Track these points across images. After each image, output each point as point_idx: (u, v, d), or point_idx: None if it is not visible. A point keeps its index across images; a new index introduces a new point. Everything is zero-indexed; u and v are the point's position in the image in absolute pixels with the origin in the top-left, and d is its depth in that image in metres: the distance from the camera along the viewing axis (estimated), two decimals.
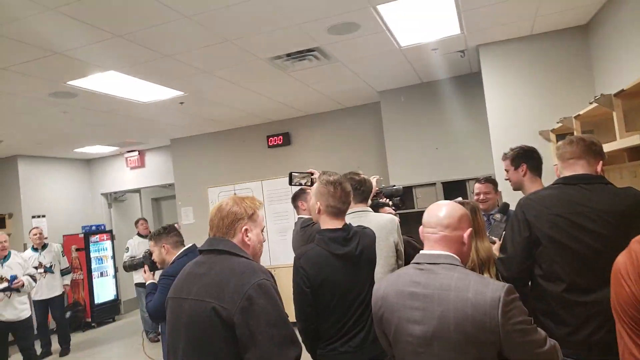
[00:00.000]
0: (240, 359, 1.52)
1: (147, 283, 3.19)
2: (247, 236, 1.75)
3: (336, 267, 2.13)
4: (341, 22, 3.87)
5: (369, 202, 2.82)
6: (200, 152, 7.94)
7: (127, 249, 6.82)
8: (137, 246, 6.75)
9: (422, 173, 6.02)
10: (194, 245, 3.18)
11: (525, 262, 2.07)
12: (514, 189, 2.74)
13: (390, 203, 3.11)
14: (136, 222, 7.12)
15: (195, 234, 7.60)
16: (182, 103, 5.74)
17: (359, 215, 2.62)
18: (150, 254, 3.22)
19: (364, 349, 2.16)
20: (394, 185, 3.47)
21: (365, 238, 2.25)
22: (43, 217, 8.03)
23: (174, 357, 1.67)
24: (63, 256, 6.72)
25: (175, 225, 3.79)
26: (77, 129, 6.53)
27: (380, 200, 3.09)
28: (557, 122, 4.02)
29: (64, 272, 6.57)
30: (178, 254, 3.09)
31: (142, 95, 5.26)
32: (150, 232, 6.98)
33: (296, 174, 2.57)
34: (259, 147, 7.57)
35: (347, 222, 2.27)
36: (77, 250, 8.06)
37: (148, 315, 3.11)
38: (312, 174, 2.61)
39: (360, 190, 2.70)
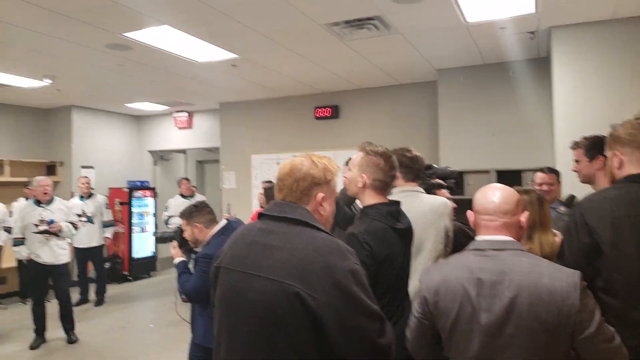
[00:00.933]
0: (320, 351, 1.30)
1: (175, 261, 3.03)
2: (322, 205, 1.50)
3: (396, 242, 2.02)
4: None
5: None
6: (248, 118, 7.89)
7: (167, 207, 6.91)
8: (178, 206, 6.82)
9: (476, 159, 5.75)
10: (229, 224, 3.03)
11: (584, 271, 1.83)
12: (583, 182, 2.50)
13: (445, 185, 2.91)
14: (179, 182, 7.19)
15: (236, 198, 7.64)
16: (234, 66, 5.65)
17: (409, 195, 2.43)
18: (182, 231, 3.07)
19: None
20: (448, 167, 3.26)
21: (408, 219, 2.13)
22: (91, 168, 8.24)
23: (228, 338, 1.42)
24: (107, 208, 6.88)
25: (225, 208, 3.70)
26: (130, 84, 6.59)
27: (434, 181, 2.87)
28: (637, 118, 3.67)
29: (106, 224, 6.73)
30: (213, 232, 2.96)
31: (196, 55, 5.20)
32: (193, 192, 7.06)
33: None
34: (306, 118, 7.45)
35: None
36: (120, 204, 8.26)
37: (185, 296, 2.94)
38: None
39: (412, 169, 2.51)
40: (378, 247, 1.95)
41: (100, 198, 6.81)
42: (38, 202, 4.97)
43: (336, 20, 4.29)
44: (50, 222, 4.88)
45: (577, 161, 2.48)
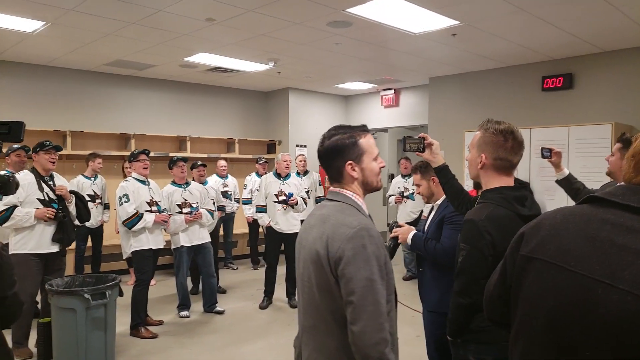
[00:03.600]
0: None
1: (411, 238, 2.83)
2: None
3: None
4: None
5: None
6: (460, 93, 7.40)
7: (387, 188, 6.99)
8: (396, 185, 6.83)
9: None
10: None
11: None
12: None
13: None
14: (399, 161, 7.16)
15: None
16: (454, 35, 5.26)
17: None
18: (396, 224, 2.92)
19: None
20: None
21: (536, 205, 1.92)
22: (304, 146, 8.77)
23: (547, 351, 1.03)
24: (320, 185, 7.24)
25: None
26: (345, 63, 6.71)
27: None
28: None
29: (318, 200, 7.07)
30: None
31: (414, 25, 4.97)
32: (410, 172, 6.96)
33: (410, 139, 2.32)
34: (530, 90, 6.63)
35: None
36: None
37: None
38: (424, 138, 2.31)
39: None
40: (500, 236, 1.76)
41: (315, 175, 7.19)
42: (279, 176, 5.49)
43: None
44: (290, 195, 5.34)
45: None
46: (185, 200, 5.01)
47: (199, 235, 5.10)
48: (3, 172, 3.13)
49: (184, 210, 4.98)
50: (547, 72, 6.44)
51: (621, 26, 4.98)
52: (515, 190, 1.89)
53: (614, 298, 0.94)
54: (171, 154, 7.52)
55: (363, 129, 1.63)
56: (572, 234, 1.05)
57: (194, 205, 5.04)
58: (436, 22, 4.83)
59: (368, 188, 1.63)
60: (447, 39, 5.41)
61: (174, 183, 5.11)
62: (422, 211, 3.22)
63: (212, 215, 5.26)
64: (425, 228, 2.92)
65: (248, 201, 7.16)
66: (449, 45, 5.73)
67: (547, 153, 3.12)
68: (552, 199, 5.37)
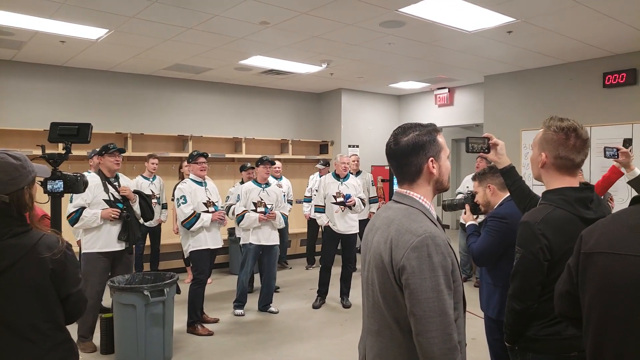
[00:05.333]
0: None
1: (467, 224, 3.01)
2: None
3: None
4: None
5: None
6: (517, 91, 7.16)
7: None
8: (463, 185, 6.71)
9: None
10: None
11: None
12: None
13: None
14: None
15: None
16: (509, 32, 5.10)
17: None
18: (473, 195, 3.02)
19: None
20: None
21: (603, 207, 1.90)
22: (357, 147, 8.77)
23: (621, 334, 1.23)
24: (372, 185, 7.21)
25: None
26: (398, 63, 6.66)
27: None
28: None
29: (371, 201, 7.07)
30: (506, 196, 2.79)
31: (467, 24, 4.87)
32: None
33: (473, 139, 2.24)
34: (590, 87, 6.33)
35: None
36: (382, 181, 8.58)
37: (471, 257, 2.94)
38: (489, 138, 2.20)
39: None
40: (558, 240, 1.73)
41: (367, 176, 7.17)
42: (337, 177, 5.57)
43: None
44: (347, 197, 5.40)
45: None
46: (262, 199, 5.15)
47: (269, 236, 5.21)
48: (85, 173, 3.28)
49: (259, 209, 5.11)
50: (608, 68, 6.13)
51: None
52: (579, 191, 1.80)
53: None
54: (227, 155, 7.75)
55: (436, 127, 1.59)
56: (618, 226, 1.29)
57: (269, 206, 5.16)
58: (491, 19, 4.71)
59: (440, 187, 1.58)
60: (503, 36, 5.25)
61: (255, 182, 5.29)
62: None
63: (285, 219, 5.38)
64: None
65: (308, 199, 7.29)
66: (504, 43, 5.56)
67: (612, 152, 2.96)
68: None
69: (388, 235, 1.46)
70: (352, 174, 6.89)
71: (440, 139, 1.56)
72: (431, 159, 1.52)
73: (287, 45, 5.73)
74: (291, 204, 7.27)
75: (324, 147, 8.93)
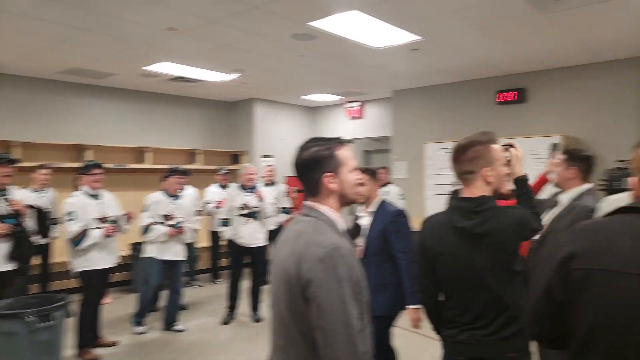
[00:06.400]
0: None
1: None
2: None
3: (451, 242, 1.89)
4: None
5: None
6: (422, 106, 7.53)
7: None
8: None
9: None
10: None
11: None
12: None
13: None
14: (377, 170, 7.07)
15: (407, 189, 7.36)
16: (415, 50, 5.34)
17: None
18: None
19: (484, 344, 1.84)
20: None
21: (505, 217, 1.85)
22: (271, 157, 8.70)
23: None
24: (286, 196, 7.17)
25: None
26: (309, 75, 6.71)
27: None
28: None
29: (284, 211, 7.01)
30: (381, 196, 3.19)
31: (376, 40, 5.02)
32: (387, 181, 6.90)
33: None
34: (486, 103, 6.82)
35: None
36: (297, 191, 8.57)
37: None
38: (511, 145, 2.15)
39: None
40: (431, 242, 1.95)
41: (281, 186, 7.12)
42: (243, 187, 5.37)
43: None
44: (253, 207, 5.27)
45: None
46: (171, 213, 4.87)
47: (175, 251, 4.96)
48: None
49: (168, 223, 4.84)
50: (501, 86, 6.66)
51: (567, 45, 5.23)
52: (461, 201, 1.94)
53: None
54: (129, 166, 7.31)
55: (339, 141, 1.61)
56: (629, 242, 1.13)
57: (178, 220, 4.90)
58: (398, 37, 4.89)
59: (345, 201, 1.59)
60: (409, 53, 5.49)
61: (164, 192, 4.99)
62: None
63: (193, 233, 5.14)
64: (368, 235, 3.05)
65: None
66: (410, 60, 5.82)
67: None
68: None
69: (296, 249, 1.46)
70: (267, 184, 6.85)
71: (342, 153, 1.56)
72: (329, 174, 1.53)
73: (197, 53, 5.55)
74: (200, 215, 7.02)
75: (236, 157, 8.76)
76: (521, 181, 2.12)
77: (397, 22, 4.46)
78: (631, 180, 1.32)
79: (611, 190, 5.16)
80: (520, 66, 6.19)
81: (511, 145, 2.16)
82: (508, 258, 1.86)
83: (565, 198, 2.75)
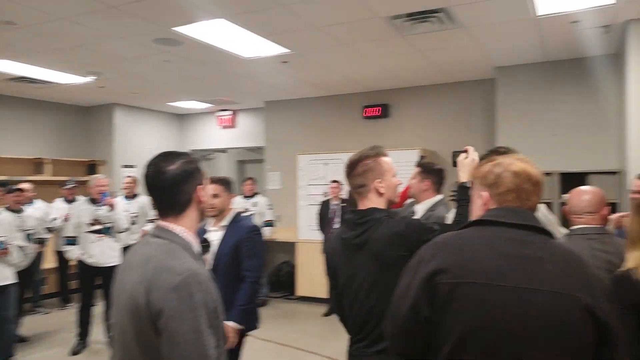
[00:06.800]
0: None
1: None
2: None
3: (341, 253, 1.92)
4: None
5: None
6: (294, 117, 7.61)
7: None
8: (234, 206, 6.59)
9: (536, 161, 5.28)
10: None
11: None
12: None
13: None
14: (243, 182, 6.86)
15: (281, 200, 7.37)
16: (285, 62, 5.36)
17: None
18: None
19: (365, 357, 1.84)
20: None
21: (383, 228, 1.82)
22: (132, 167, 8.11)
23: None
24: (151, 209, 6.71)
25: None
26: (176, 81, 6.39)
27: None
28: None
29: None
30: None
31: (246, 50, 4.95)
32: (254, 192, 6.74)
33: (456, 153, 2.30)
34: (354, 117, 7.12)
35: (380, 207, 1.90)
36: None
37: None
38: (465, 151, 2.16)
39: None
40: (328, 253, 2.02)
41: (144, 199, 6.61)
42: (93, 201, 4.79)
43: (400, 12, 3.99)
44: (105, 223, 4.74)
45: None
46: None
47: (1, 275, 4.26)
48: None
49: None
50: (367, 102, 7.02)
51: (423, 66, 5.67)
52: (349, 213, 1.94)
53: (540, 299, 1.17)
54: None
55: (195, 155, 1.54)
56: (488, 254, 1.24)
57: (1, 239, 4.21)
58: (268, 48, 4.87)
59: (202, 216, 1.53)
60: (279, 65, 5.50)
61: (6, 208, 4.32)
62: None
63: (24, 251, 4.44)
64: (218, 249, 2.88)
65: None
66: (280, 72, 5.84)
67: None
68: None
69: (145, 275, 1.32)
70: (127, 197, 6.33)
71: (202, 167, 1.52)
72: (200, 186, 1.47)
73: (43, 51, 4.96)
74: (52, 233, 6.25)
75: (92, 168, 7.98)
76: (460, 187, 2.12)
77: (265, 33, 4.43)
78: (485, 195, 1.38)
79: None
80: (384, 83, 6.56)
81: (465, 151, 2.16)
82: (386, 270, 1.78)
83: (420, 208, 2.91)
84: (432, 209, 2.84)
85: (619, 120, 4.93)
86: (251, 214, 6.42)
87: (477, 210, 1.39)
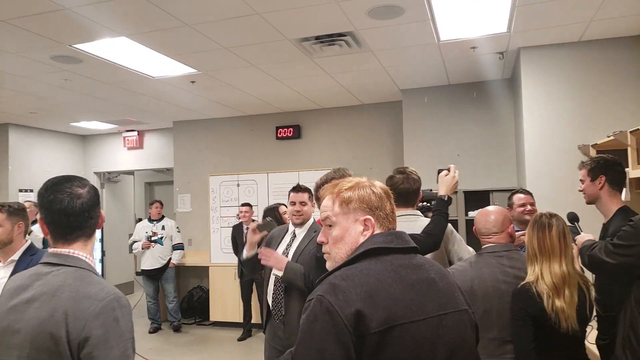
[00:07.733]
0: None
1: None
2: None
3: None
4: (385, 4, 3.50)
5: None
6: (204, 138, 7.52)
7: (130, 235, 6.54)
8: (140, 230, 6.37)
9: None
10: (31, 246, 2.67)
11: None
12: (588, 202, 2.45)
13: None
14: (150, 204, 6.61)
15: (192, 222, 7.22)
16: (193, 82, 5.33)
17: (409, 220, 2.31)
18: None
19: None
20: (431, 190, 3.12)
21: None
22: (31, 191, 7.55)
23: None
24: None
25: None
26: (77, 101, 6.09)
27: (423, 204, 2.78)
28: (608, 136, 3.68)
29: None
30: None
31: (152, 69, 4.86)
32: (161, 215, 6.49)
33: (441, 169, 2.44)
34: (267, 138, 7.18)
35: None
36: None
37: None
38: (447, 169, 2.39)
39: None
40: None
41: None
42: None
43: (307, 35, 4.12)
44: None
45: (582, 181, 2.42)
46: None
47: None
48: None
49: None
50: (280, 123, 7.12)
51: (331, 88, 5.88)
52: None
53: (452, 321, 1.19)
54: None
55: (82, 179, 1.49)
56: (399, 289, 1.16)
57: None
58: (175, 68, 4.82)
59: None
60: (187, 85, 5.45)
61: None
62: None
63: None
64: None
65: None
66: (189, 92, 5.78)
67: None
68: None
69: (58, 307, 1.25)
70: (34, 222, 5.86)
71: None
72: (100, 211, 1.47)
73: None
74: None
75: None
76: (439, 200, 2.30)
77: (171, 53, 4.38)
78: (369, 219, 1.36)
79: None
80: (296, 104, 6.70)
81: (448, 169, 2.37)
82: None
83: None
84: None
85: (517, 140, 5.32)
86: (160, 238, 6.26)
87: (356, 238, 1.27)
